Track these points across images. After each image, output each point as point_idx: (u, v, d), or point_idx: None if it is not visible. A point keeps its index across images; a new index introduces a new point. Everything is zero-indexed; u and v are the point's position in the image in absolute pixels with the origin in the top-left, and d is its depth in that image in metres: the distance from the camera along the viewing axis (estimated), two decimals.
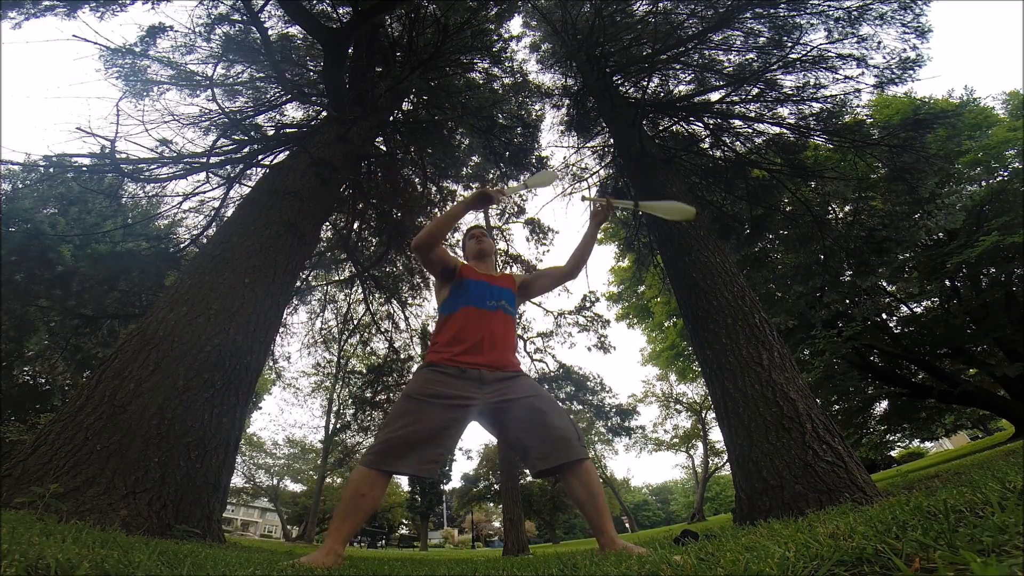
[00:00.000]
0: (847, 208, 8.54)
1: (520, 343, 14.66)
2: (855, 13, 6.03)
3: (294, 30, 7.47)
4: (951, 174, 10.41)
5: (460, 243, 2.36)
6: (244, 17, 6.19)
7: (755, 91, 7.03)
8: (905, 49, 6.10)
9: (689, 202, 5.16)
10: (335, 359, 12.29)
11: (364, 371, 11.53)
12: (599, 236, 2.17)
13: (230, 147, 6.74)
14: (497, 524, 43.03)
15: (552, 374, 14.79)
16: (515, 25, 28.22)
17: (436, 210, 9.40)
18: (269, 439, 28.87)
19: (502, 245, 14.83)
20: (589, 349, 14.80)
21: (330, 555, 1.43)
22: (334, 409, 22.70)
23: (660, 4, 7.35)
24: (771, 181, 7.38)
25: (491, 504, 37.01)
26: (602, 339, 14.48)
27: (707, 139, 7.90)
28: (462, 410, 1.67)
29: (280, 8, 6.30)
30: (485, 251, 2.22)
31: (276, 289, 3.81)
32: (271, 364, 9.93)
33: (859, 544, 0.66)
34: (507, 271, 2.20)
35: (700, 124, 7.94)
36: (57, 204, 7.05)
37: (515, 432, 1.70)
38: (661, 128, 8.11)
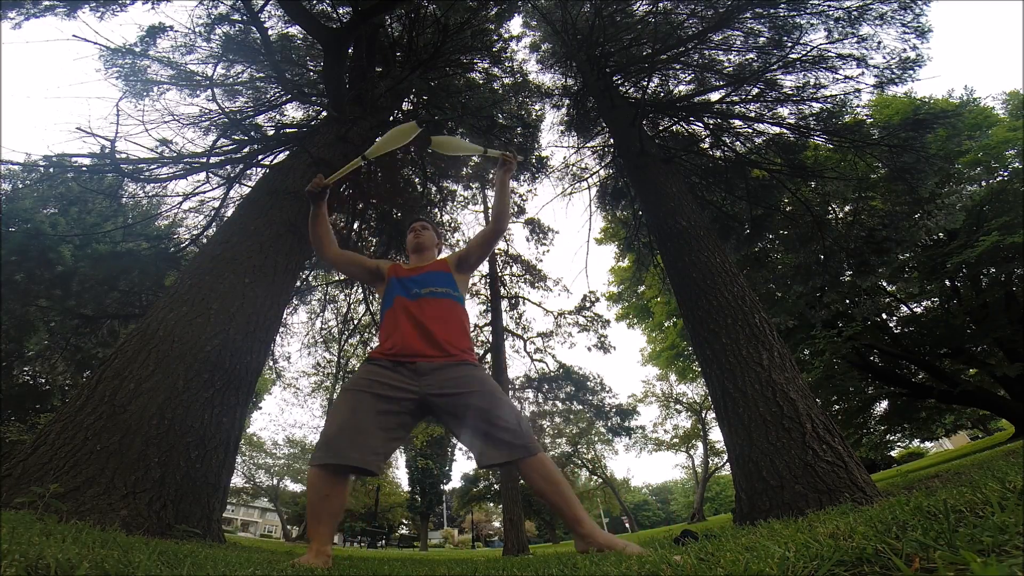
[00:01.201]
0: (847, 208, 8.55)
1: (520, 343, 14.66)
2: (855, 13, 6.03)
3: (294, 30, 7.48)
4: (951, 174, 10.41)
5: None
6: (244, 17, 6.19)
7: (755, 91, 7.03)
8: (905, 49, 6.10)
9: (689, 202, 5.17)
10: (335, 359, 12.29)
11: None
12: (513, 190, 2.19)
13: (230, 147, 6.74)
14: (497, 524, 43.04)
15: (552, 374, 14.80)
16: (515, 25, 28.21)
17: (436, 210, 9.41)
18: (269, 439, 28.87)
19: (502, 245, 14.83)
20: (589, 349, 14.83)
21: (319, 555, 1.44)
22: None
23: (660, 4, 7.35)
24: (771, 181, 7.38)
25: (491, 504, 37.02)
26: (602, 339, 14.50)
27: (707, 139, 7.90)
28: (399, 402, 1.63)
29: (280, 8, 6.30)
30: (422, 244, 2.17)
31: (276, 289, 3.81)
32: (271, 364, 9.94)
33: (859, 544, 0.66)
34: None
35: (700, 124, 7.94)
36: (57, 204, 7.06)
37: (460, 427, 1.64)
38: (661, 128, 8.11)
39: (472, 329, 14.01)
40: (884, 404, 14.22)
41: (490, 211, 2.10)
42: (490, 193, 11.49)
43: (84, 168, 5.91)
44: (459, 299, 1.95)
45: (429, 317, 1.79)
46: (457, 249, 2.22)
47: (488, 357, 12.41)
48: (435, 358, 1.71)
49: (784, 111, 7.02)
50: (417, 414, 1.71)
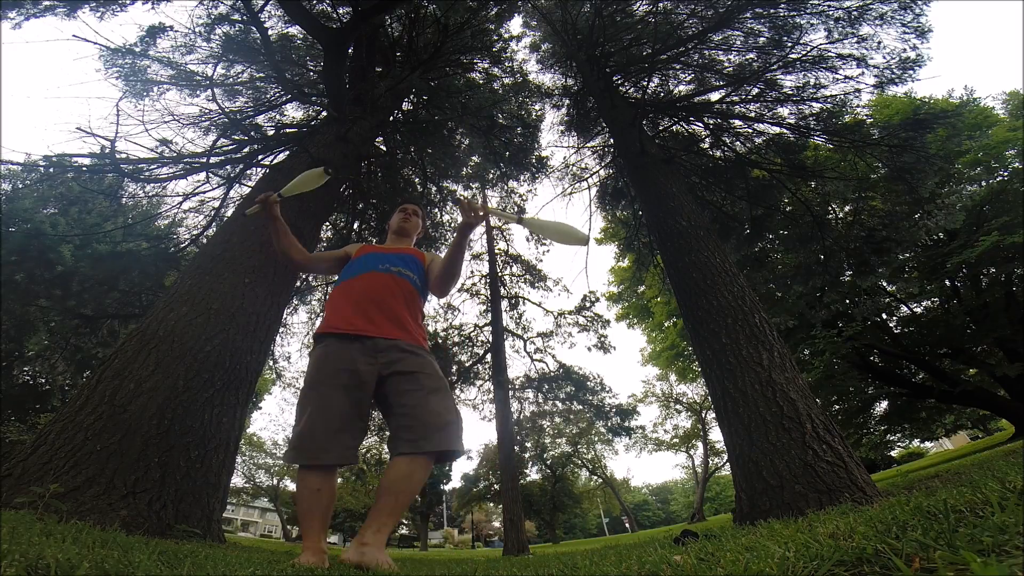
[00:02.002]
0: (847, 208, 8.55)
1: (520, 343, 14.66)
2: (855, 13, 6.03)
3: (294, 30, 7.48)
4: (951, 174, 10.41)
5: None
6: (244, 17, 6.19)
7: (755, 91, 7.03)
8: (905, 49, 6.11)
9: (689, 202, 5.17)
10: None
11: None
12: (469, 248, 1.83)
13: (230, 147, 6.74)
14: (497, 524, 43.04)
15: (552, 374, 14.80)
16: (515, 25, 28.24)
17: (436, 210, 9.41)
18: (269, 439, 28.91)
19: (502, 245, 14.84)
20: (589, 349, 14.85)
21: (316, 553, 1.43)
22: None
23: (660, 4, 7.36)
24: (771, 181, 7.38)
25: (491, 504, 37.02)
26: (602, 339, 14.51)
27: (707, 139, 7.90)
28: (363, 386, 1.58)
29: (280, 8, 6.30)
30: (406, 229, 2.10)
31: (276, 289, 3.81)
32: (271, 364, 9.94)
33: (859, 544, 0.66)
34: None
35: (700, 124, 7.94)
36: (57, 204, 7.05)
37: (397, 408, 1.57)
38: (661, 128, 8.11)
39: (472, 329, 13.89)
40: (884, 404, 14.23)
41: (441, 266, 1.87)
42: (491, 193, 11.47)
43: (84, 168, 5.91)
44: (423, 292, 1.89)
45: (395, 294, 1.74)
46: (432, 254, 2.11)
47: (488, 357, 12.41)
48: (394, 335, 1.66)
49: (784, 111, 7.03)
50: (375, 390, 1.64)
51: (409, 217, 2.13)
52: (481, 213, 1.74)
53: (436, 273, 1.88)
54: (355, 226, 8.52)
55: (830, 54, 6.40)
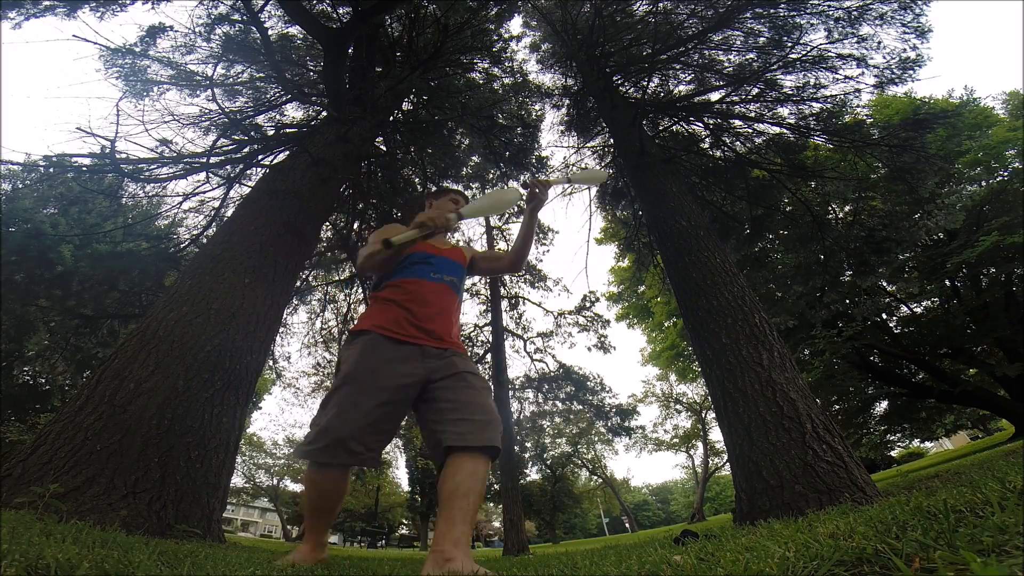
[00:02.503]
0: (847, 208, 8.55)
1: (520, 343, 14.66)
2: (855, 13, 6.03)
3: (294, 30, 7.48)
4: (951, 174, 10.41)
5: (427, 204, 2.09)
6: (244, 17, 6.19)
7: (755, 91, 7.03)
8: (905, 49, 6.10)
9: (689, 202, 5.17)
10: (335, 359, 12.29)
11: None
12: (540, 224, 1.79)
13: (230, 147, 6.74)
14: (497, 524, 43.03)
15: (552, 374, 14.80)
16: (515, 25, 28.21)
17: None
18: (269, 439, 28.93)
19: (503, 245, 14.82)
20: (589, 349, 14.84)
21: (317, 549, 1.40)
22: None
23: (660, 4, 7.36)
24: (771, 181, 7.38)
25: (491, 504, 36.99)
26: (602, 339, 14.49)
27: (707, 139, 7.90)
28: (402, 389, 1.50)
29: (280, 8, 6.30)
30: (449, 225, 1.99)
31: (276, 289, 3.81)
32: (271, 364, 9.93)
33: (859, 544, 0.66)
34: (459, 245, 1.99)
35: (700, 124, 7.94)
36: (57, 204, 7.05)
37: (444, 403, 1.49)
38: (661, 128, 8.11)
39: (472, 329, 13.88)
40: (884, 404, 14.23)
41: (516, 249, 1.93)
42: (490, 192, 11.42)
43: (84, 168, 5.91)
44: (461, 298, 1.88)
45: (446, 305, 1.70)
46: (469, 247, 2.07)
47: (488, 357, 12.41)
48: (443, 345, 1.62)
49: (784, 111, 7.03)
50: (411, 399, 1.58)
51: (454, 204, 2.01)
52: (546, 188, 1.86)
53: (508, 258, 1.97)
54: (355, 226, 8.51)
55: (830, 54, 6.40)
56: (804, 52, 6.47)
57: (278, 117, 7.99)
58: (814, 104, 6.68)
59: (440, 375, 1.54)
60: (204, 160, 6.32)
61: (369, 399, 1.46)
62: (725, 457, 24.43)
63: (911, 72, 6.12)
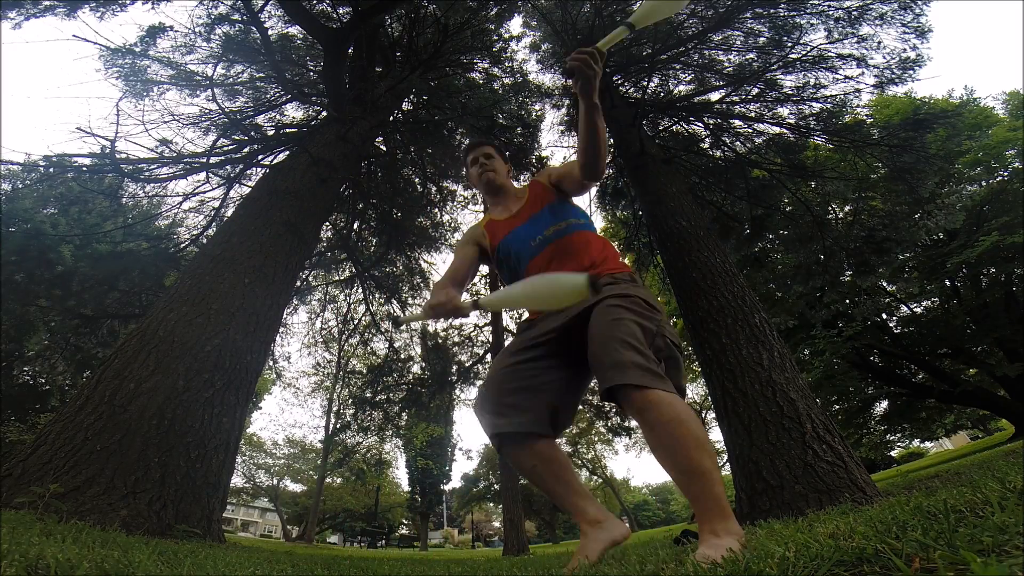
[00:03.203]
0: (847, 208, 8.55)
1: None
2: (855, 13, 6.03)
3: (294, 30, 7.48)
4: (951, 174, 10.41)
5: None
6: (244, 17, 6.19)
7: (755, 91, 7.03)
8: (905, 49, 6.10)
9: (689, 202, 5.17)
10: (335, 359, 12.29)
11: (364, 371, 11.53)
12: (598, 123, 1.22)
13: (230, 147, 6.74)
14: (497, 524, 43.04)
15: None
16: (515, 25, 28.24)
17: (436, 210, 9.40)
18: (269, 439, 28.90)
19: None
20: None
21: (597, 529, 1.21)
22: (334, 409, 22.70)
23: None
24: (771, 181, 7.38)
25: (491, 504, 37.03)
26: None
27: (707, 139, 7.90)
28: (541, 348, 1.33)
29: (280, 8, 6.30)
30: (494, 182, 1.68)
31: (276, 289, 3.81)
32: (271, 364, 9.93)
33: (859, 544, 0.66)
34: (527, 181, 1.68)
35: (700, 124, 7.94)
36: (57, 204, 7.05)
37: (588, 353, 1.23)
38: (661, 128, 8.11)
39: (472, 329, 13.87)
40: (884, 404, 14.23)
41: (582, 157, 1.38)
42: None
43: (84, 168, 5.91)
44: (585, 225, 1.52)
45: (561, 259, 1.42)
46: (546, 170, 1.69)
47: (488, 357, 12.41)
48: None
49: (784, 111, 7.03)
50: (562, 351, 1.35)
51: (485, 165, 1.70)
52: (596, 58, 1.19)
53: (577, 168, 1.44)
54: (355, 226, 8.52)
55: (830, 54, 6.40)
56: (804, 52, 6.47)
57: (278, 117, 7.99)
58: (814, 104, 6.69)
59: (578, 314, 1.29)
60: (204, 160, 6.33)
61: (509, 373, 1.33)
62: (725, 457, 24.38)
63: (911, 72, 6.12)
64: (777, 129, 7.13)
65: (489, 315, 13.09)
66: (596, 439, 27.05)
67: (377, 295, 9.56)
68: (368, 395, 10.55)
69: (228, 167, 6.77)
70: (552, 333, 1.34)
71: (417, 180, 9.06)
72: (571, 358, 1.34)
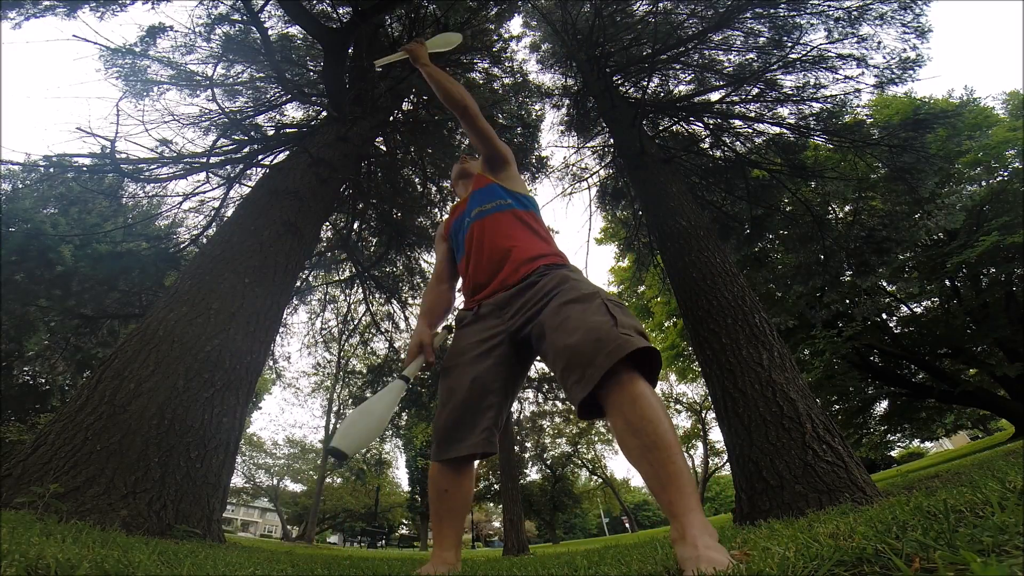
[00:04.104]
0: (847, 208, 8.55)
1: None
2: (855, 13, 6.03)
3: (294, 30, 7.48)
4: (951, 174, 10.41)
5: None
6: (244, 17, 6.19)
7: (755, 91, 7.03)
8: (905, 49, 6.10)
9: (689, 202, 5.17)
10: (335, 359, 12.29)
11: (364, 371, 11.53)
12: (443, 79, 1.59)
13: (230, 147, 6.74)
14: (497, 524, 43.04)
15: (552, 374, 14.79)
16: (515, 25, 28.22)
17: (436, 210, 9.40)
18: (269, 439, 28.97)
19: None
20: None
21: (441, 563, 1.23)
22: (334, 409, 22.72)
23: (660, 4, 7.35)
24: (771, 181, 7.38)
25: (491, 504, 37.00)
26: None
27: (707, 139, 7.90)
28: (490, 356, 1.31)
29: (280, 8, 6.30)
30: (466, 171, 1.81)
31: (276, 289, 3.81)
32: (271, 364, 9.93)
33: (859, 544, 0.66)
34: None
35: (700, 124, 7.94)
36: (57, 204, 7.05)
37: (547, 360, 1.22)
38: (661, 128, 8.11)
39: None
40: (884, 404, 14.23)
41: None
42: None
43: (84, 168, 5.91)
44: (510, 206, 1.53)
45: (489, 242, 1.45)
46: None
47: None
48: (510, 282, 1.35)
49: (784, 111, 7.03)
50: (515, 356, 1.35)
51: (466, 159, 1.86)
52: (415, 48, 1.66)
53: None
54: (355, 226, 8.52)
55: (830, 54, 6.40)
56: (804, 52, 6.47)
57: (278, 117, 7.99)
58: (814, 104, 6.69)
59: (524, 318, 1.29)
60: (204, 160, 6.33)
61: (463, 384, 1.31)
62: (725, 457, 24.44)
63: (911, 72, 6.12)
64: (777, 129, 7.13)
65: None
66: (596, 439, 27.05)
67: (377, 295, 9.56)
68: (368, 395, 10.55)
69: (228, 167, 6.77)
70: (501, 335, 1.33)
71: (417, 180, 9.06)
72: (515, 362, 1.35)
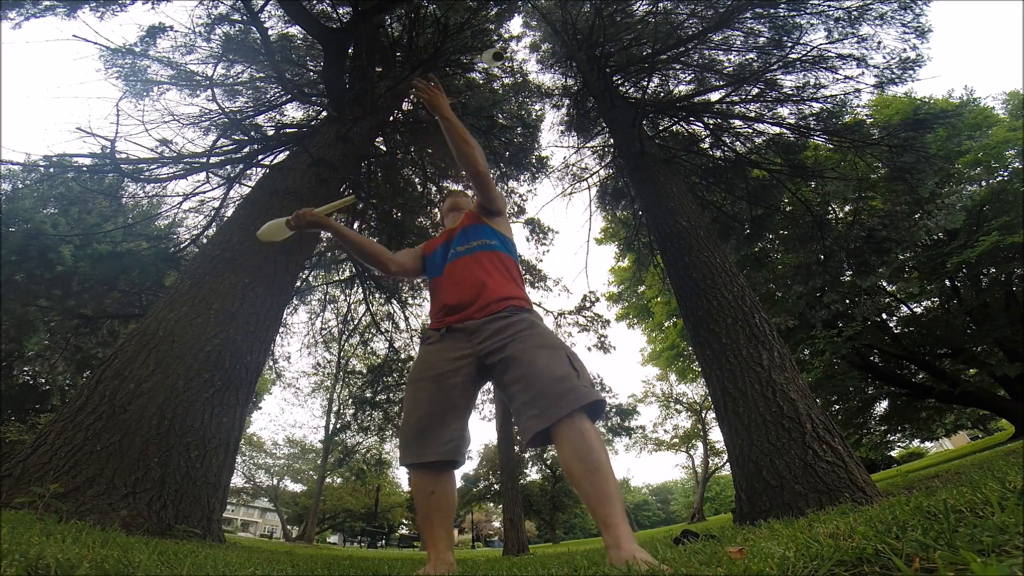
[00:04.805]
0: (847, 208, 8.55)
1: None
2: (855, 13, 6.03)
3: (294, 30, 7.48)
4: (951, 174, 10.41)
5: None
6: (244, 17, 6.19)
7: (755, 91, 7.03)
8: (905, 49, 6.11)
9: (689, 202, 5.16)
10: (335, 359, 12.29)
11: (364, 371, 11.53)
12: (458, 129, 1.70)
13: (230, 147, 6.74)
14: (497, 524, 43.04)
15: None
16: (515, 25, 28.20)
17: (436, 210, 9.40)
18: (269, 439, 28.92)
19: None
20: (589, 349, 14.79)
21: (441, 564, 1.31)
22: (334, 409, 22.70)
23: (660, 4, 7.35)
24: (771, 181, 7.38)
25: (491, 504, 36.99)
26: (602, 339, 14.48)
27: (707, 139, 7.90)
28: (458, 374, 1.43)
29: (280, 8, 6.30)
30: (458, 205, 1.94)
31: (276, 289, 3.81)
32: (271, 364, 9.93)
33: (859, 544, 0.66)
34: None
35: (700, 124, 7.94)
36: (57, 204, 7.05)
37: (508, 388, 1.37)
38: (661, 128, 8.11)
39: None
40: (884, 404, 14.23)
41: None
42: None
43: (84, 168, 5.91)
44: (495, 247, 1.67)
45: (472, 273, 1.59)
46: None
47: None
48: (484, 312, 1.48)
49: (784, 111, 7.03)
50: (478, 377, 1.49)
51: (456, 194, 2.00)
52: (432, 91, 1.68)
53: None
54: (355, 226, 8.51)
55: (830, 54, 6.40)
56: (804, 52, 6.47)
57: (278, 117, 7.99)
58: (814, 104, 6.68)
59: (491, 348, 1.42)
60: (204, 160, 6.33)
61: (428, 397, 1.43)
62: (725, 457, 24.42)
63: (911, 72, 6.12)
64: (777, 129, 7.13)
65: None
66: None
67: (377, 295, 9.56)
68: (368, 395, 10.55)
69: (228, 167, 6.77)
70: (470, 357, 1.45)
71: (417, 180, 9.06)
72: (477, 382, 1.49)
